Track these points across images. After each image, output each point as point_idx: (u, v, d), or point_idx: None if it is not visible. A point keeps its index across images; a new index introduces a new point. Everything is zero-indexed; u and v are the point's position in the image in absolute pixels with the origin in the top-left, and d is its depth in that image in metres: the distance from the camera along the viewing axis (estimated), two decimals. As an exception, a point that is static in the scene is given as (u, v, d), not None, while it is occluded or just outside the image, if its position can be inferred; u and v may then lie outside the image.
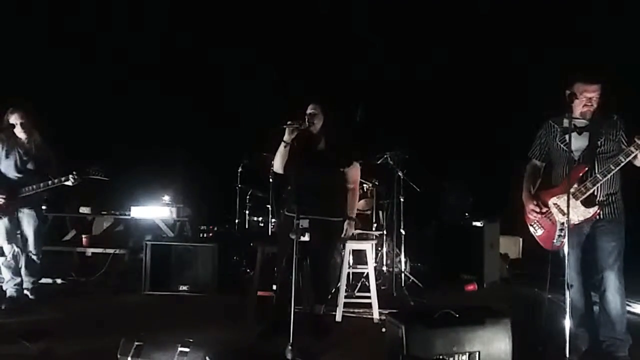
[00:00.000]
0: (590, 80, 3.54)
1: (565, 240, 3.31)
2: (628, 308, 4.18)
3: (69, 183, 4.85)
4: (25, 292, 5.10)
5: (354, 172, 4.36)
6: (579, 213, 3.52)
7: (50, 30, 7.25)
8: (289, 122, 4.01)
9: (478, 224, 6.26)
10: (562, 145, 3.66)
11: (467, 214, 6.63)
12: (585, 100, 3.53)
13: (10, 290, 5.01)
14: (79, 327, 4.41)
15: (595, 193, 3.53)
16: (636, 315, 4.77)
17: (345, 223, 4.25)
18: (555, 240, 3.60)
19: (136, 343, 3.10)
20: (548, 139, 3.78)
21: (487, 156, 7.22)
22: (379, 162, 6.03)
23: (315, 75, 7.40)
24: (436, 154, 7.16)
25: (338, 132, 4.33)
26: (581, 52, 6.41)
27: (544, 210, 3.66)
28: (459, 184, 7.11)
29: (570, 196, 3.41)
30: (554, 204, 3.62)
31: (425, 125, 7.30)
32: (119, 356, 3.09)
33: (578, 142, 3.58)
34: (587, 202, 3.52)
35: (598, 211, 3.51)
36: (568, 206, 3.28)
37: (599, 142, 3.55)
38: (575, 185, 3.51)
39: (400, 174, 5.93)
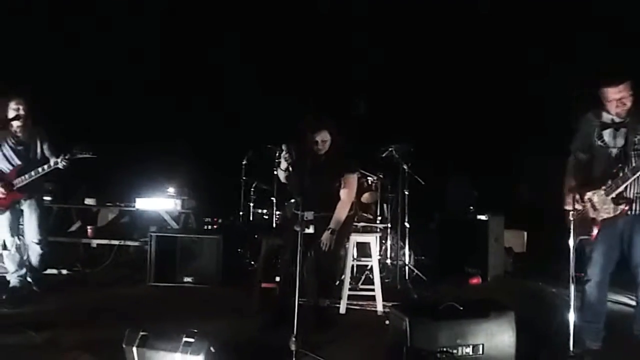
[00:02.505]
0: (612, 82, 3.52)
1: (571, 234, 3.31)
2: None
3: (59, 166, 4.78)
4: (30, 282, 5.09)
5: (350, 181, 4.35)
6: (609, 209, 3.51)
7: (51, 18, 7.24)
8: (284, 153, 4.03)
9: (483, 217, 6.25)
10: (598, 142, 3.64)
11: (471, 208, 6.61)
12: (616, 101, 3.51)
13: (13, 280, 4.99)
14: (84, 317, 4.42)
15: (626, 190, 3.50)
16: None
17: (325, 234, 4.20)
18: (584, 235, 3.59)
19: (141, 333, 3.11)
20: (587, 133, 3.72)
21: (492, 150, 7.20)
22: (383, 156, 6.01)
23: (318, 66, 7.39)
24: (441, 148, 7.14)
25: (340, 145, 4.36)
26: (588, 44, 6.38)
27: (581, 205, 3.61)
28: (463, 178, 7.09)
29: (602, 192, 3.46)
30: (588, 199, 3.61)
31: (430, 118, 7.28)
32: (124, 346, 3.10)
33: (615, 139, 3.57)
34: (617, 199, 3.50)
35: (627, 208, 3.49)
36: (571, 204, 3.27)
37: (635, 139, 3.51)
38: (609, 182, 3.51)
39: (405, 167, 5.91)
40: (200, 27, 7.60)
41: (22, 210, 4.97)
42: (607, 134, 3.59)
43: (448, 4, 7.19)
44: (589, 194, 3.61)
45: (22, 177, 4.79)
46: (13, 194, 4.81)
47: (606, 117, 3.59)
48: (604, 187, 3.50)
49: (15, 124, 4.81)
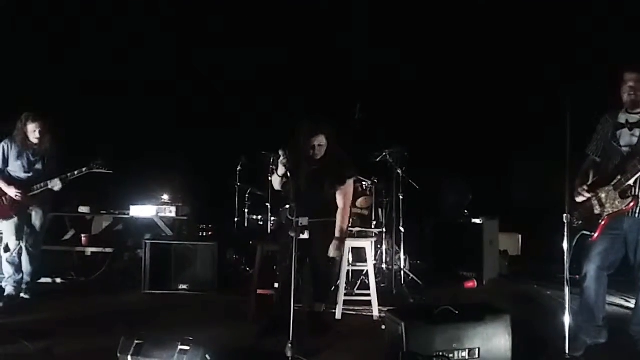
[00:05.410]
0: (629, 68, 3.57)
1: (566, 234, 3.32)
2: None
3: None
4: (23, 288, 5.14)
5: (347, 190, 4.26)
6: (615, 205, 3.52)
7: (52, 30, 7.23)
8: (282, 159, 3.93)
9: (477, 221, 6.26)
10: (612, 142, 3.65)
11: (466, 211, 6.62)
12: (628, 89, 3.56)
13: (9, 287, 5.07)
14: (78, 326, 4.41)
15: (635, 186, 3.50)
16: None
17: (333, 245, 4.09)
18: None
19: (136, 341, 3.10)
20: (603, 134, 3.75)
21: (486, 153, 7.22)
22: (378, 160, 6.02)
23: (315, 74, 7.40)
24: (435, 152, 7.16)
25: (336, 150, 4.30)
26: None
27: (589, 195, 3.62)
28: (458, 181, 7.11)
29: (611, 187, 3.49)
30: (596, 194, 3.62)
31: (424, 122, 7.30)
32: (119, 355, 3.09)
33: (628, 138, 3.58)
34: (624, 192, 3.50)
35: (632, 204, 3.48)
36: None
37: None
38: (619, 177, 3.51)
39: (399, 171, 5.92)
40: (194, 31, 7.60)
41: (30, 217, 5.14)
42: (620, 135, 3.61)
43: (443, 7, 7.21)
44: (598, 191, 3.62)
45: (38, 185, 5.04)
46: (26, 200, 5.01)
47: (621, 117, 3.63)
48: (612, 183, 3.51)
49: (34, 138, 5.07)
